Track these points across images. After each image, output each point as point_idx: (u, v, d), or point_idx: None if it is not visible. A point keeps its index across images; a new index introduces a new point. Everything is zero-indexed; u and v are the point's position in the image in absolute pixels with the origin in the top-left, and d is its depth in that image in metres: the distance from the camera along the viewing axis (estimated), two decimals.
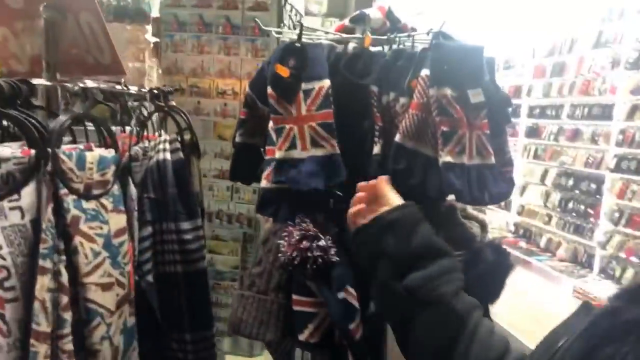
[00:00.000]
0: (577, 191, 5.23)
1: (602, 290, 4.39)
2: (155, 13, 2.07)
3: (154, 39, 2.08)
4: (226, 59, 2.02)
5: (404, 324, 0.79)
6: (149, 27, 1.98)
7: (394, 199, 0.90)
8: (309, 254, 0.98)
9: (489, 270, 1.07)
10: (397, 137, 0.99)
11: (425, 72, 0.99)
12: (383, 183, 0.93)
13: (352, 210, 0.93)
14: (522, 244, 6.01)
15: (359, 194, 0.94)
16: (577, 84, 5.27)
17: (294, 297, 1.07)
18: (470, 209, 1.17)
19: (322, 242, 0.99)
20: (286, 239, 1.01)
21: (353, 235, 0.91)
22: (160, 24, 2.09)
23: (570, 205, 5.33)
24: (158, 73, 2.14)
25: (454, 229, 1.08)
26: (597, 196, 4.90)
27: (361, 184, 0.96)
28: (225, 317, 2.06)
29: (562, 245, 5.49)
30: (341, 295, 0.98)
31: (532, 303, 4.62)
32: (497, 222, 6.85)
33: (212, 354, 1.24)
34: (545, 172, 5.78)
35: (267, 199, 1.09)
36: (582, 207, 5.12)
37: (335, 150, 1.04)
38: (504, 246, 1.13)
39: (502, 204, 6.74)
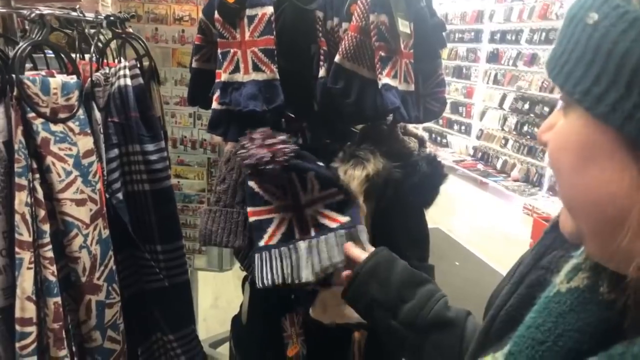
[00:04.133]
0: (532, 115, 5.47)
1: (550, 206, 4.75)
2: None
3: None
4: None
5: (416, 352, 0.86)
6: None
7: (364, 253, 0.95)
8: (277, 147, 1.05)
9: (423, 180, 1.21)
10: (337, 58, 1.07)
11: None
12: (349, 248, 0.99)
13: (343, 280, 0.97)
14: (480, 166, 6.32)
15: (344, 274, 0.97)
16: (537, 8, 5.35)
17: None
18: (409, 127, 1.30)
19: (282, 137, 1.07)
20: (250, 144, 1.07)
21: (346, 299, 0.95)
22: None
23: (525, 128, 5.59)
24: None
25: (393, 144, 1.21)
26: None
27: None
28: (193, 236, 2.20)
29: (517, 167, 5.81)
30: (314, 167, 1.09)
31: (487, 221, 4.97)
32: (457, 145, 7.12)
33: (182, 263, 1.38)
34: (504, 97, 5.97)
35: (216, 119, 1.17)
36: (536, 129, 5.39)
37: (275, 75, 1.10)
38: (438, 159, 1.27)
39: (463, 128, 6.97)
